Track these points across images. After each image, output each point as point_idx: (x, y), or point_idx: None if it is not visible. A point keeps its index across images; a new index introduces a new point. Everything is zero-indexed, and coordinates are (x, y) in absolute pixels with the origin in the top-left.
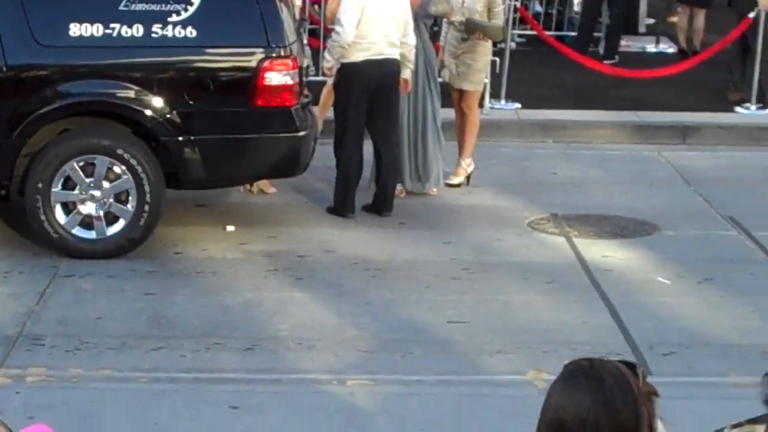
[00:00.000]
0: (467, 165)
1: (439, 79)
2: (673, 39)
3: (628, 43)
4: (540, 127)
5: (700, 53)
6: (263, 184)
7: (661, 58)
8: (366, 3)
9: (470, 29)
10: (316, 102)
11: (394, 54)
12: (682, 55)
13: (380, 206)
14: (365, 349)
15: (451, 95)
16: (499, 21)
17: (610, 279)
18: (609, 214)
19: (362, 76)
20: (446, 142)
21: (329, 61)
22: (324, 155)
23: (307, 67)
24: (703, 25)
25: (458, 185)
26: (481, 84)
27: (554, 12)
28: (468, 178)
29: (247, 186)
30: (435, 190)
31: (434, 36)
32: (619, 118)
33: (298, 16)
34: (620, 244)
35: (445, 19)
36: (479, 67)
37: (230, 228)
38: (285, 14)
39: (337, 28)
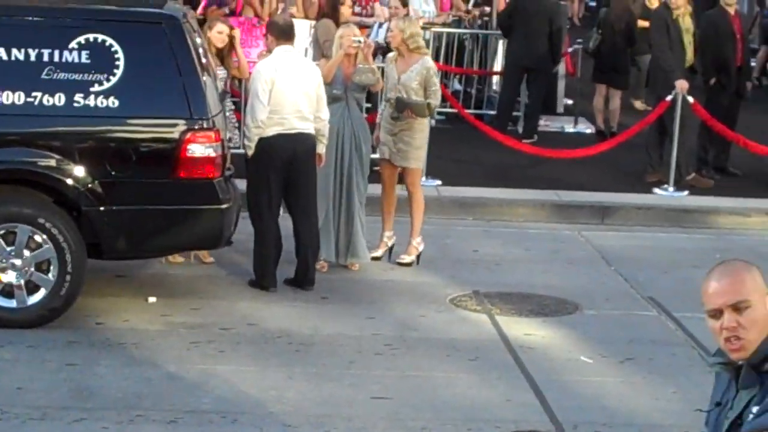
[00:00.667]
0: (418, 244)
1: (375, 156)
2: (591, 119)
3: (546, 123)
4: (460, 205)
5: (617, 134)
6: (202, 253)
7: (579, 138)
8: (276, 78)
9: (400, 107)
10: (239, 174)
11: (307, 128)
12: (599, 135)
13: (301, 280)
14: (289, 423)
15: (380, 171)
16: (434, 100)
17: (533, 357)
18: (530, 293)
19: (275, 150)
20: (368, 217)
21: (250, 148)
22: (248, 227)
23: (230, 139)
24: (618, 106)
25: (409, 264)
26: (422, 161)
27: (473, 90)
28: (418, 257)
29: (177, 255)
30: (357, 265)
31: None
32: (538, 196)
33: (221, 89)
34: (542, 323)
35: (384, 97)
36: (418, 144)
37: (152, 299)
38: (208, 86)
39: (249, 110)
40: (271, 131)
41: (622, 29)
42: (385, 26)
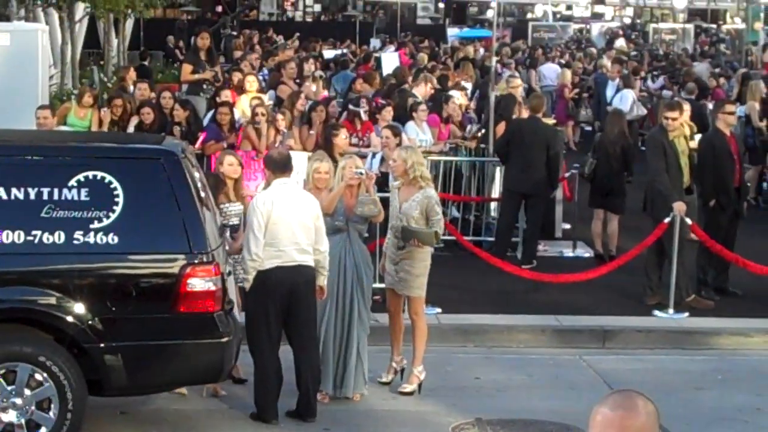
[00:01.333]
0: (419, 372)
1: (380, 285)
2: (590, 244)
3: (545, 248)
4: (461, 332)
5: (615, 257)
6: (213, 385)
7: (578, 263)
8: (272, 210)
9: (405, 236)
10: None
11: (306, 260)
12: (598, 259)
13: (303, 412)
14: None
15: (387, 300)
16: (436, 227)
17: None
18: (533, 419)
19: (273, 283)
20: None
21: (248, 281)
22: (248, 359)
23: (230, 272)
24: (616, 229)
25: (411, 393)
26: (423, 289)
27: (472, 217)
28: (420, 385)
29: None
30: (359, 395)
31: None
32: (539, 321)
33: (233, 222)
34: None
35: (389, 226)
36: (417, 273)
37: None
38: (207, 220)
39: (245, 243)
40: (269, 264)
41: (617, 153)
42: (378, 156)
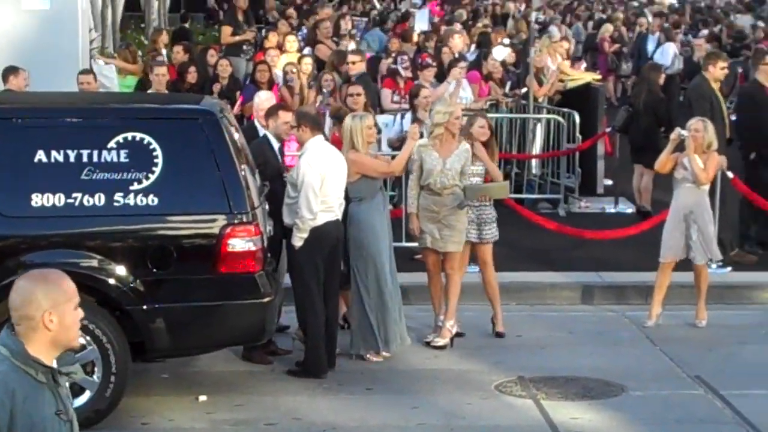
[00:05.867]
0: (451, 326)
1: (413, 244)
2: (631, 199)
3: (587, 204)
4: (503, 290)
5: (650, 213)
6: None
7: (620, 219)
8: (326, 172)
9: (472, 194)
10: None
11: (341, 214)
12: (640, 215)
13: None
14: None
15: (426, 260)
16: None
17: None
18: (576, 376)
19: (325, 237)
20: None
21: (302, 239)
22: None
23: (270, 230)
24: (650, 184)
25: (443, 347)
26: (462, 244)
27: (513, 174)
28: (452, 339)
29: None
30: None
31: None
32: (581, 278)
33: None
34: (588, 406)
35: (410, 186)
36: (462, 227)
37: (202, 398)
38: (247, 179)
39: (304, 203)
40: (320, 220)
41: (648, 108)
42: (408, 116)
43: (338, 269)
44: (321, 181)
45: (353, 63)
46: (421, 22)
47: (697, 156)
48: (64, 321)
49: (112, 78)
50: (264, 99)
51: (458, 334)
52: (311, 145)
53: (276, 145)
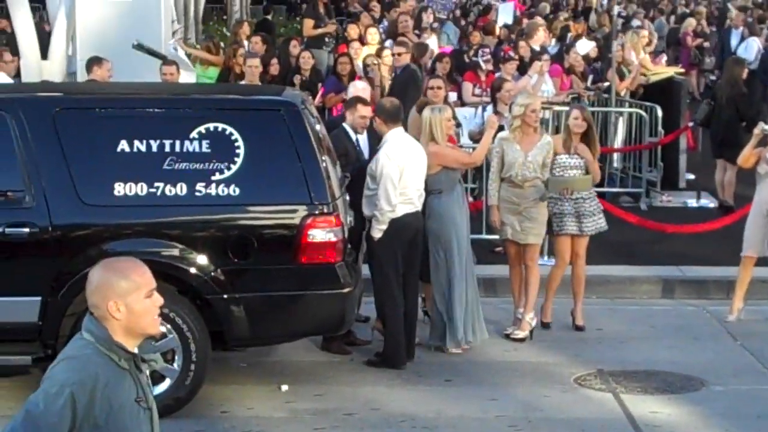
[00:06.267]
0: (531, 319)
1: (488, 237)
2: (714, 194)
3: (669, 198)
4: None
5: (733, 207)
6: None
7: (702, 213)
8: (405, 162)
9: (555, 186)
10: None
11: (420, 206)
12: (722, 209)
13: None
14: None
15: (507, 252)
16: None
17: None
18: (656, 370)
19: (404, 229)
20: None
21: (381, 231)
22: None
23: (350, 221)
24: (733, 179)
25: (523, 339)
26: (542, 236)
27: None
28: (532, 332)
29: None
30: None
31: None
32: (662, 273)
33: (341, 173)
34: (668, 400)
35: (492, 179)
36: (543, 219)
37: (284, 387)
38: (329, 170)
39: (383, 194)
40: (399, 211)
41: (729, 102)
42: (489, 109)
43: (418, 261)
44: (400, 173)
45: (399, 55)
46: (505, 16)
47: None
48: (134, 310)
49: (186, 63)
50: (360, 88)
51: (544, 325)
52: (390, 137)
53: (354, 136)
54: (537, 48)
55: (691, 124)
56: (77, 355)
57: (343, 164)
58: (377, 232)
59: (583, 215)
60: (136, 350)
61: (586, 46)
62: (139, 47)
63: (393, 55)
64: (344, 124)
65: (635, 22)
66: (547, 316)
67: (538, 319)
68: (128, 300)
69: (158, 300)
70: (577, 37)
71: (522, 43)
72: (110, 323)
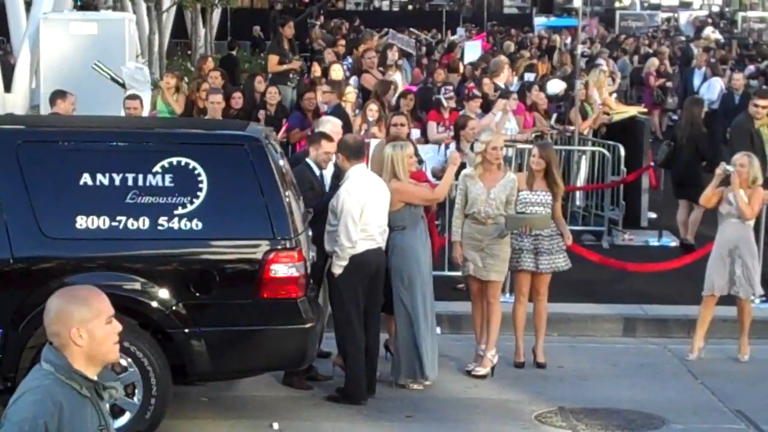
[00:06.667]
0: (492, 356)
1: (456, 273)
2: (676, 233)
3: (630, 237)
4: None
5: (693, 246)
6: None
7: (664, 252)
8: (366, 199)
9: (513, 224)
10: None
11: (383, 243)
12: (684, 248)
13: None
14: None
15: (471, 288)
16: (512, 210)
17: None
18: (617, 408)
19: (364, 265)
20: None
21: (341, 267)
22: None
23: (313, 257)
24: (698, 218)
25: (484, 376)
26: (504, 273)
27: None
28: (493, 369)
29: None
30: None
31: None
32: (624, 311)
33: (304, 208)
34: None
35: (455, 215)
36: (505, 257)
37: (275, 425)
38: (292, 205)
39: (343, 231)
40: (360, 247)
41: (688, 142)
42: (452, 146)
43: (379, 297)
44: (361, 210)
45: (324, 93)
46: (472, 53)
47: (742, 191)
48: (95, 336)
49: (143, 82)
50: (335, 124)
51: (518, 365)
52: (352, 173)
53: (318, 171)
54: (502, 85)
55: (652, 163)
56: (38, 386)
57: (310, 198)
58: (338, 268)
59: (541, 253)
60: (95, 378)
61: (557, 86)
62: (98, 68)
63: (324, 93)
64: (307, 159)
65: (600, 61)
66: (520, 356)
67: (512, 360)
68: (89, 326)
69: (117, 326)
70: (543, 76)
71: (486, 80)
72: (71, 351)
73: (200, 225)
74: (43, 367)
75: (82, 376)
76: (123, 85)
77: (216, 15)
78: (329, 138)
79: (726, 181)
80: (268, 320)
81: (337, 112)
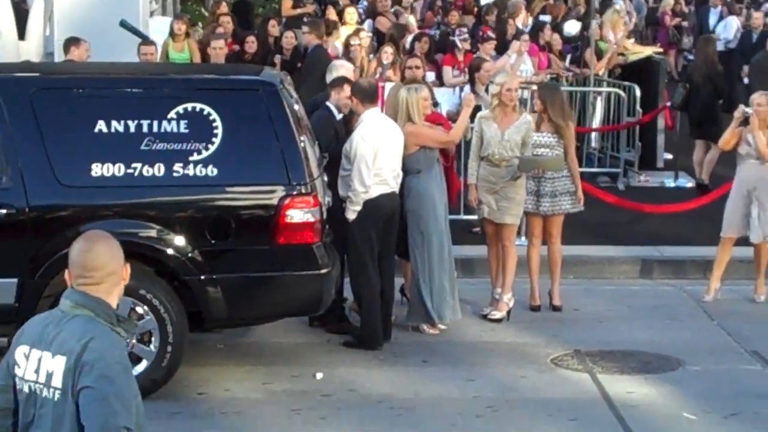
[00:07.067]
0: (509, 300)
1: (473, 217)
2: (692, 173)
3: (647, 178)
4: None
5: (708, 186)
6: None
7: (680, 193)
8: (380, 143)
9: (527, 166)
10: None
11: (396, 187)
12: (700, 189)
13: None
14: None
15: (486, 231)
16: (528, 151)
17: (635, 415)
18: (632, 350)
19: (379, 210)
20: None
21: (355, 212)
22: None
23: (329, 202)
24: (715, 158)
25: (500, 320)
26: (519, 217)
27: None
28: (509, 312)
29: None
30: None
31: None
32: (639, 253)
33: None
34: (645, 380)
35: (471, 158)
36: (520, 199)
37: (319, 375)
38: (307, 151)
39: (356, 175)
40: (374, 192)
41: (704, 81)
42: (467, 88)
43: (394, 242)
44: (374, 154)
45: (304, 33)
46: None
47: (761, 132)
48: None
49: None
50: (348, 69)
51: (534, 308)
52: (366, 117)
53: (338, 116)
54: (520, 26)
55: (668, 104)
56: (102, 331)
57: (333, 145)
58: (351, 213)
59: (542, 195)
60: None
61: (574, 27)
62: (124, 25)
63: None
64: (328, 103)
65: (618, 1)
66: (536, 299)
67: (528, 303)
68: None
69: None
70: (561, 17)
71: (511, 21)
72: (119, 288)
73: (215, 171)
74: (77, 313)
75: (123, 320)
76: (146, 38)
77: None
78: (352, 82)
79: (745, 122)
80: (283, 266)
81: (318, 52)
